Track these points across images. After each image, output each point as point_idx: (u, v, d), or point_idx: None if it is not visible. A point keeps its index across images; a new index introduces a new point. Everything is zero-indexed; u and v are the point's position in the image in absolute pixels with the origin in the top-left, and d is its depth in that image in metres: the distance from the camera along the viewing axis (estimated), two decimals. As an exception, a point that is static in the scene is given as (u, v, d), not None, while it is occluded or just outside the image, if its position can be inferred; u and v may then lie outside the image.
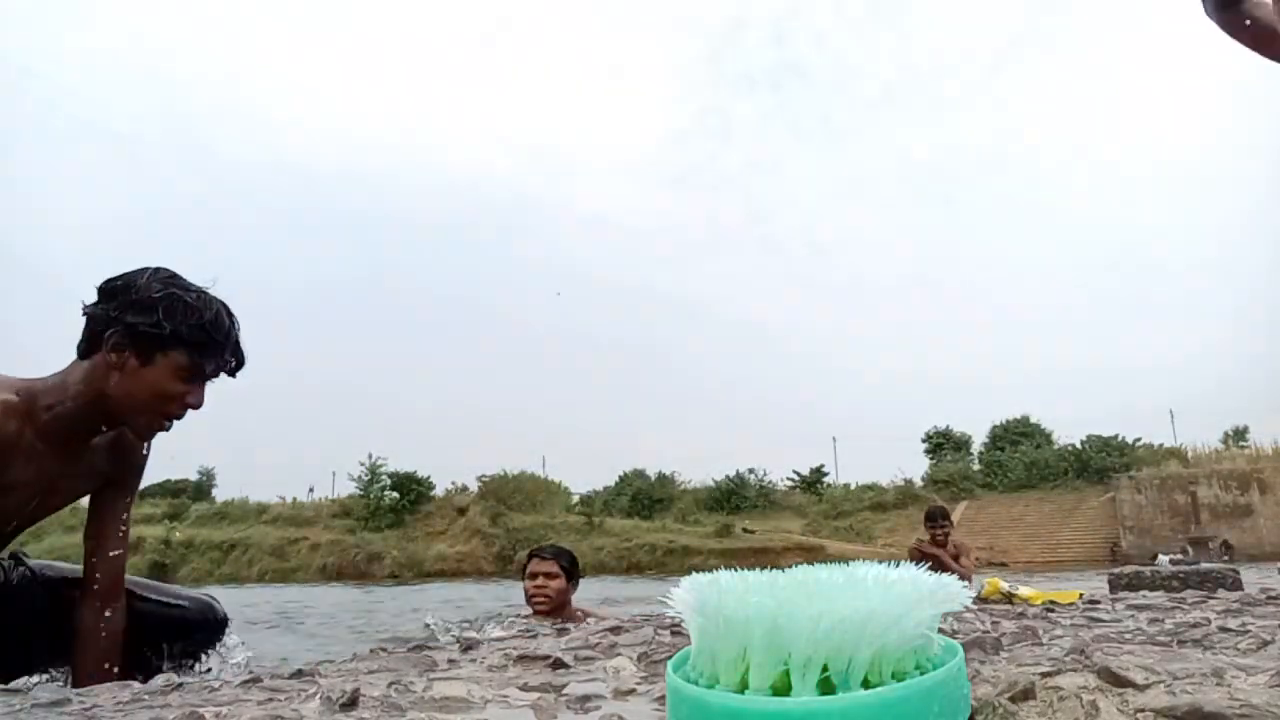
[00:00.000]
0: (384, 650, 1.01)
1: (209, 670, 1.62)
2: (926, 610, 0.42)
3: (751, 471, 29.85)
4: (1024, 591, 1.10)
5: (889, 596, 0.42)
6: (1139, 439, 27.01)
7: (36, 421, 1.34)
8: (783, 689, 0.40)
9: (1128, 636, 0.77)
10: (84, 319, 1.38)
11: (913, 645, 0.42)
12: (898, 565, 0.48)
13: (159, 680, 0.85)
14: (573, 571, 3.05)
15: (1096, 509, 23.79)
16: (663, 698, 0.58)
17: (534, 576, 2.99)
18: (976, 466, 28.60)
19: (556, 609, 2.91)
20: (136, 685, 0.87)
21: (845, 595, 0.42)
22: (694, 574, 0.49)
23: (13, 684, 0.91)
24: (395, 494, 29.95)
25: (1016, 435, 29.28)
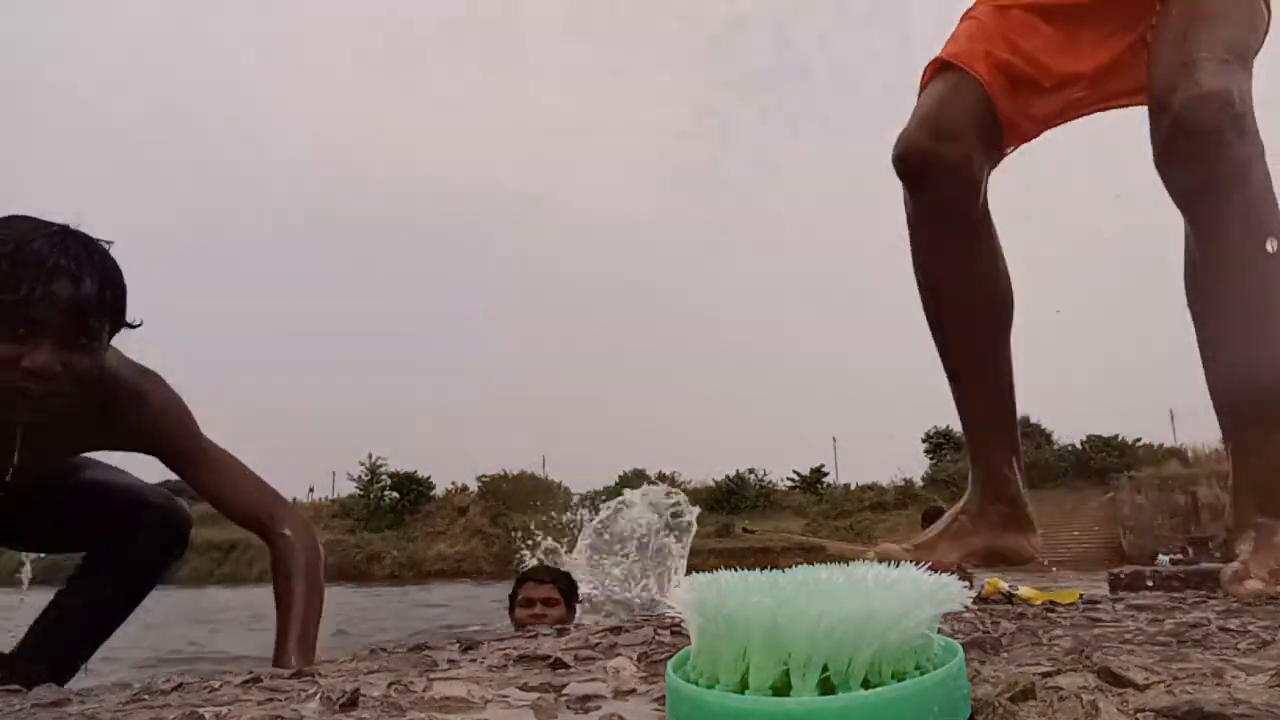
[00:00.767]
0: (384, 650, 1.01)
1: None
2: (926, 610, 0.42)
3: (751, 471, 29.85)
4: (1024, 591, 1.10)
5: (889, 596, 0.42)
6: (1139, 439, 27.01)
7: None
8: (783, 689, 0.40)
9: (1128, 636, 0.77)
10: None
11: (913, 645, 0.42)
12: (898, 565, 0.48)
13: (159, 680, 0.85)
14: (572, 595, 2.70)
15: (1096, 509, 23.79)
16: (663, 698, 0.58)
17: (529, 604, 2.61)
18: (976, 466, 28.57)
19: None
20: (136, 685, 0.87)
21: (845, 595, 0.42)
22: (694, 574, 0.49)
23: (12, 684, 0.91)
24: (395, 494, 29.95)
25: (1016, 435, 29.26)
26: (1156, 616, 0.90)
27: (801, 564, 0.53)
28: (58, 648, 1.52)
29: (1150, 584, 2.20)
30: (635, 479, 30.82)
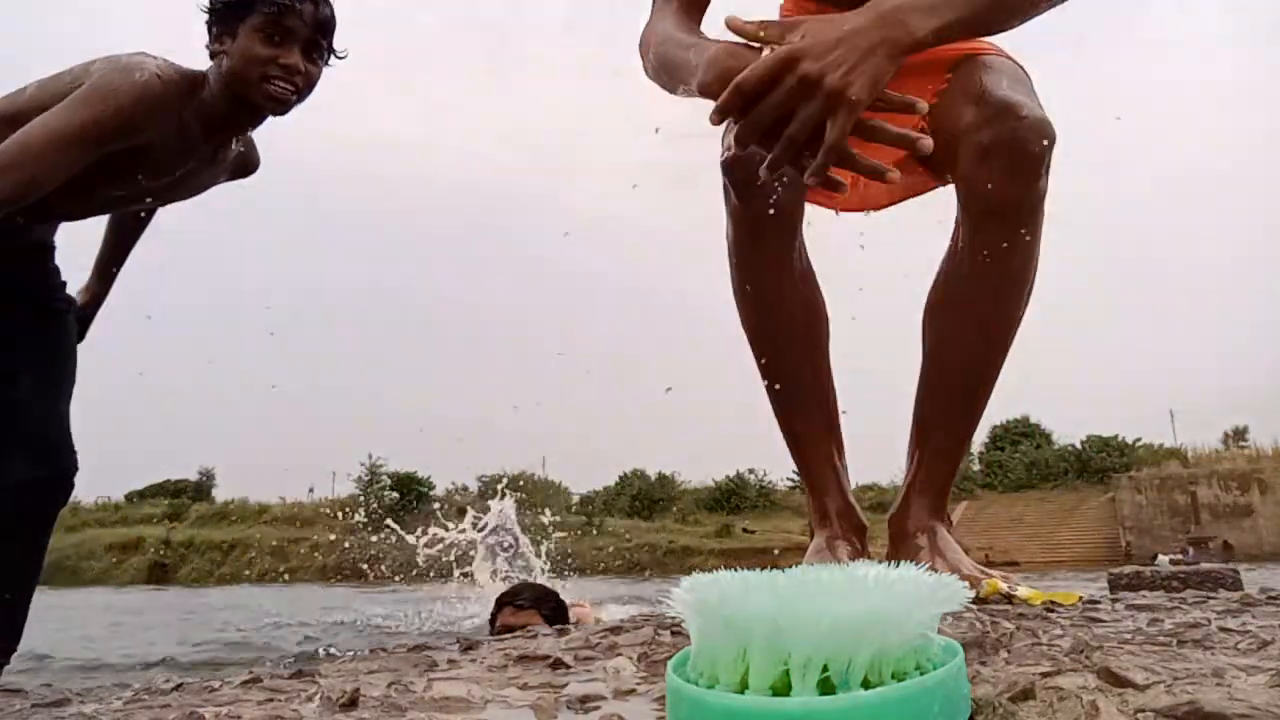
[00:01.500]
0: (384, 650, 1.01)
1: None
2: (926, 610, 0.42)
3: (751, 471, 29.87)
4: (1023, 592, 1.10)
5: (889, 596, 0.42)
6: (1139, 439, 27.04)
7: (193, 106, 1.45)
8: (783, 689, 0.40)
9: (1128, 636, 0.77)
10: None
11: (913, 645, 0.42)
12: (898, 565, 0.48)
13: (159, 680, 0.86)
14: (559, 617, 2.31)
15: (1096, 509, 23.79)
16: (663, 698, 0.58)
17: (507, 632, 2.30)
18: (976, 466, 28.60)
19: None
20: (136, 685, 0.87)
21: (845, 595, 0.42)
22: (694, 574, 0.49)
23: (12, 684, 0.91)
24: (395, 494, 29.98)
25: (1016, 435, 29.28)
26: (1156, 616, 0.90)
27: (801, 564, 0.53)
28: None
29: (1150, 584, 2.20)
30: (635, 479, 30.83)
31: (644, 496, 29.72)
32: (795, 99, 0.83)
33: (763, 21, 0.89)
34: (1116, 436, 27.01)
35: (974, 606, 1.04)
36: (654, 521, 27.55)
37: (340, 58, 1.55)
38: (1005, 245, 1.09)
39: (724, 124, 1.13)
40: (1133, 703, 0.51)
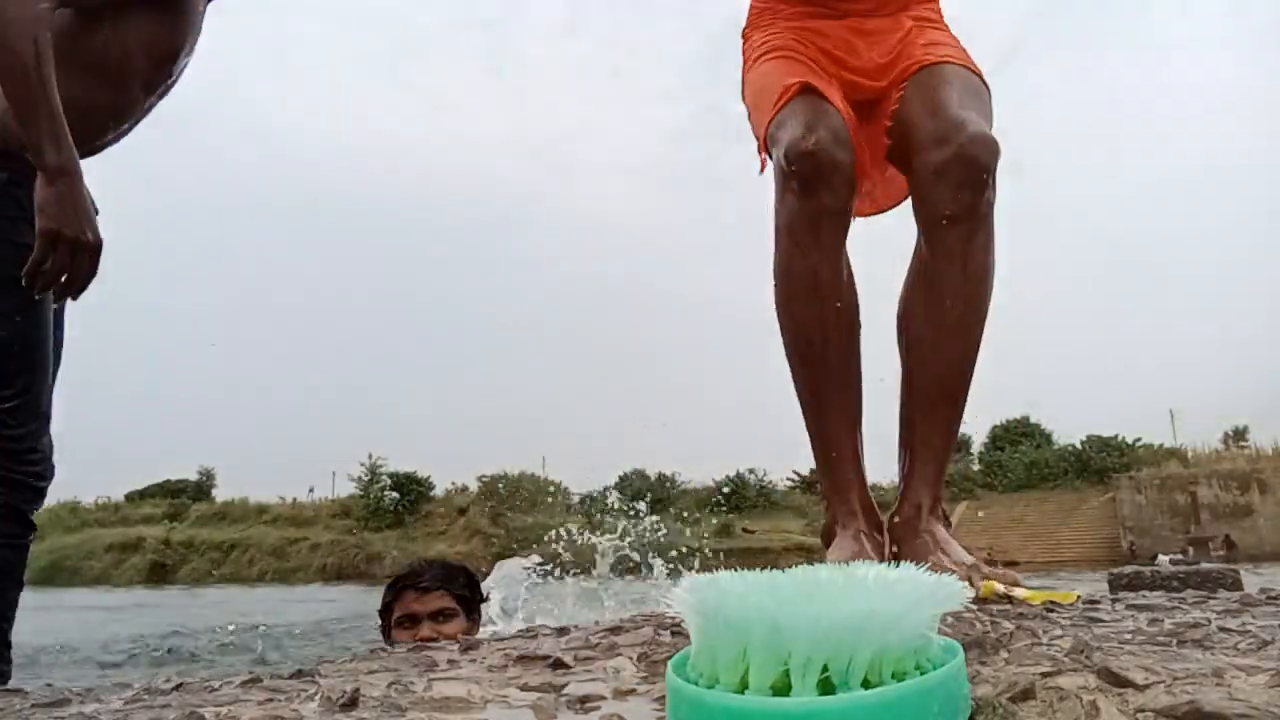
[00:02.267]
0: (384, 650, 1.01)
1: None
2: (926, 610, 0.42)
3: (751, 471, 29.87)
4: (1022, 592, 1.10)
5: (889, 596, 0.42)
6: (1139, 439, 27.02)
7: None
8: (783, 689, 0.40)
9: (1128, 636, 0.77)
10: None
11: (913, 645, 0.42)
12: (898, 565, 0.48)
13: (159, 680, 0.85)
14: (473, 599, 1.88)
15: (1096, 509, 23.79)
16: (663, 698, 0.58)
17: (412, 622, 1.79)
18: (976, 466, 28.60)
19: None
20: (136, 685, 0.87)
21: (845, 595, 0.42)
22: (694, 574, 0.49)
23: (12, 684, 0.91)
24: (395, 494, 29.97)
25: (1016, 435, 29.28)
26: (1156, 616, 0.90)
27: (801, 564, 0.53)
28: None
29: (1150, 584, 2.20)
30: (635, 479, 30.81)
31: (644, 496, 29.74)
32: None
33: None
34: (1116, 436, 27.00)
35: (974, 606, 1.04)
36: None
37: None
38: (960, 250, 1.20)
39: (774, 119, 1.25)
40: (1133, 703, 0.51)
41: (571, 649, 0.86)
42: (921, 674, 0.41)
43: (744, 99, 1.45)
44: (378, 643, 1.89)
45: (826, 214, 1.23)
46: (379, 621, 1.99)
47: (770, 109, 1.28)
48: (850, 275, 1.31)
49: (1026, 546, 22.72)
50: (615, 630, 0.98)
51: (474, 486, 30.06)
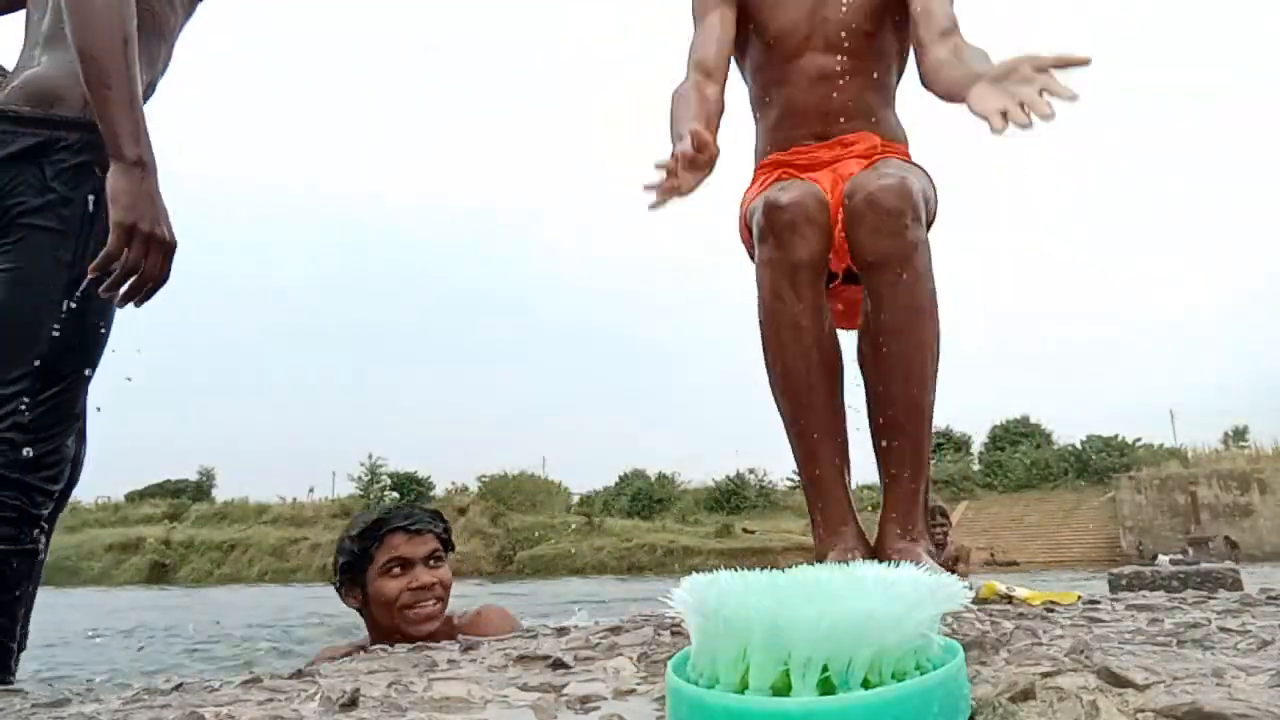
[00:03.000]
0: (384, 650, 1.01)
1: None
2: (926, 610, 0.42)
3: (751, 471, 29.85)
4: (1022, 592, 1.10)
5: (889, 597, 0.42)
6: (1139, 439, 27.02)
7: None
8: (783, 689, 0.40)
9: (1128, 636, 0.77)
10: None
11: (913, 645, 0.42)
12: (898, 565, 0.48)
13: (159, 680, 0.85)
14: (451, 546, 1.80)
15: (1096, 509, 23.79)
16: (663, 698, 0.58)
17: (404, 568, 1.65)
18: (976, 466, 28.60)
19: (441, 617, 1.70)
20: (136, 685, 0.87)
21: (845, 595, 0.42)
22: (694, 574, 0.49)
23: (13, 685, 0.91)
24: (395, 494, 29.97)
25: (1016, 435, 29.28)
26: (1156, 616, 0.90)
27: (801, 564, 0.53)
28: None
29: (1150, 584, 2.20)
30: (635, 479, 30.81)
31: (644, 496, 29.70)
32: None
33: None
34: (1116, 436, 27.00)
35: (974, 606, 1.04)
36: (654, 521, 27.52)
37: None
38: (888, 293, 1.27)
39: (757, 189, 1.41)
40: (1133, 703, 0.51)
41: (571, 649, 0.86)
42: (921, 674, 0.41)
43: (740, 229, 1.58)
44: (378, 643, 1.86)
45: (803, 266, 1.31)
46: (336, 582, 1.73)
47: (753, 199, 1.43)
48: (832, 322, 1.38)
49: (1026, 546, 22.71)
50: (615, 630, 0.98)
51: (474, 486, 30.07)
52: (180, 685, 0.83)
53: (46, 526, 1.30)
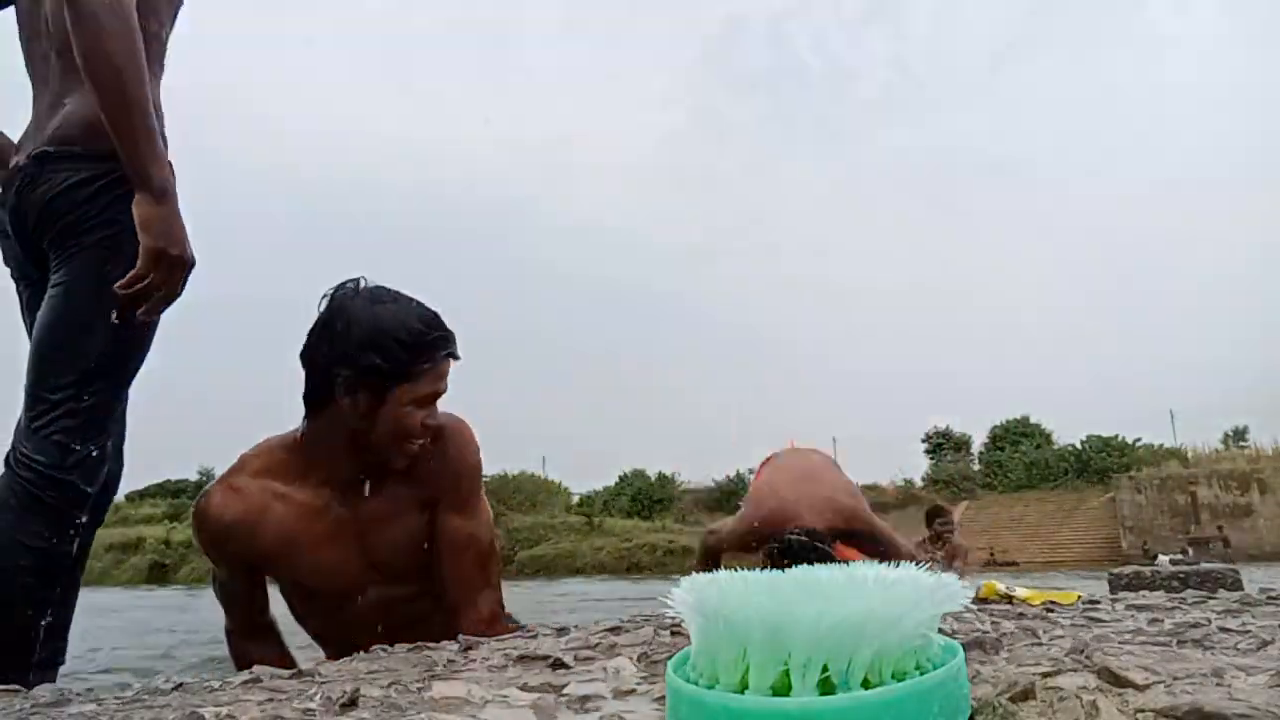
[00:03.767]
0: (384, 650, 1.01)
1: None
2: (926, 610, 0.42)
3: (752, 472, 29.84)
4: (1022, 592, 1.10)
5: (889, 596, 0.42)
6: (1139, 439, 26.99)
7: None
8: (782, 689, 0.40)
9: (1128, 636, 0.77)
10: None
11: (913, 645, 0.42)
12: (898, 565, 0.48)
13: (159, 680, 0.85)
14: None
15: (1096, 509, 23.77)
16: (663, 698, 0.58)
17: (428, 403, 1.39)
18: (976, 466, 28.58)
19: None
20: (136, 685, 0.87)
21: (845, 595, 0.42)
22: (694, 574, 0.49)
23: (12, 685, 0.91)
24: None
25: (1016, 435, 29.25)
26: (1156, 616, 0.90)
27: (801, 564, 0.53)
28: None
29: (1150, 584, 2.20)
30: (635, 479, 30.80)
31: (644, 496, 29.68)
32: None
33: None
34: (1116, 436, 26.97)
35: (974, 606, 1.04)
36: (654, 521, 27.51)
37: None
38: None
39: None
40: (1133, 703, 0.51)
41: (571, 649, 0.86)
42: (921, 674, 0.41)
43: None
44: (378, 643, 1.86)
45: None
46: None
47: None
48: None
49: (1026, 546, 22.69)
50: (615, 630, 0.98)
51: (474, 486, 30.02)
52: (180, 685, 0.83)
53: (84, 533, 1.38)
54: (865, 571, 0.48)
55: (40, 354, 1.35)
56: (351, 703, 0.64)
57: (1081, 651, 0.67)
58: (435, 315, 1.45)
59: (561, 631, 1.05)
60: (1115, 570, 2.53)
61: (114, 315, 1.32)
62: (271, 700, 0.69)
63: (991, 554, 20.40)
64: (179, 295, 1.37)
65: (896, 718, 0.39)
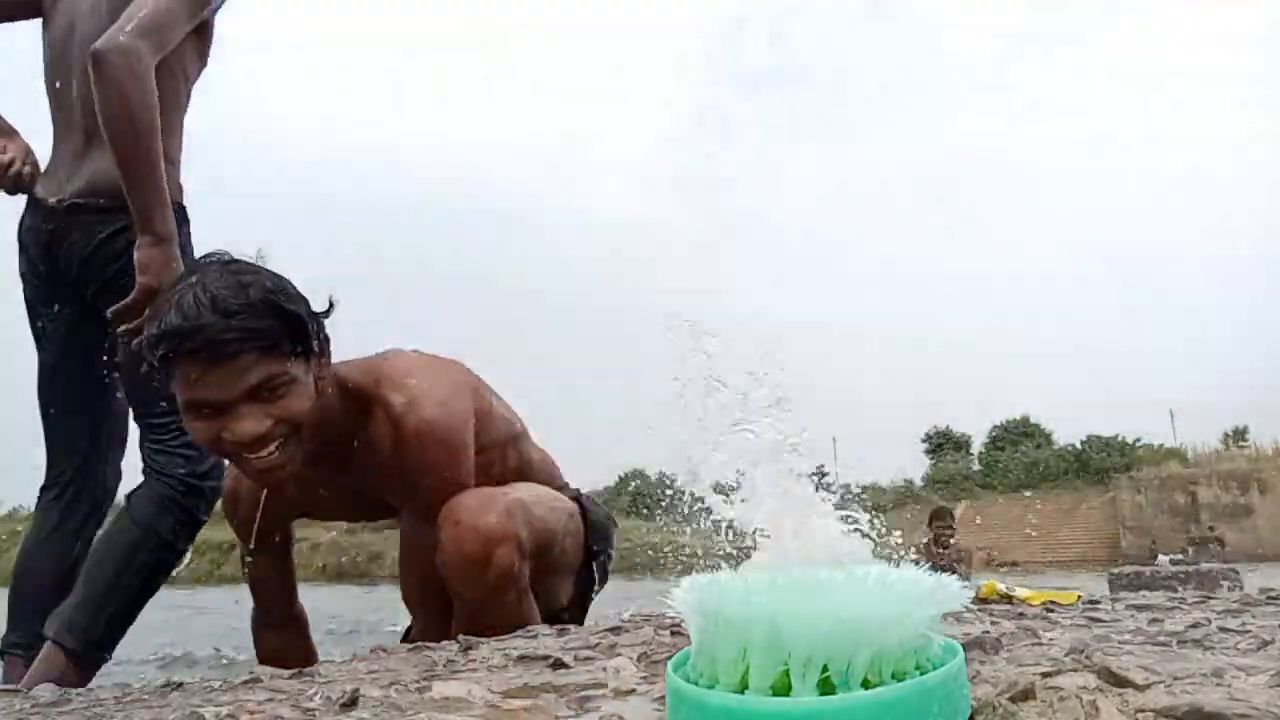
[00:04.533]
0: (384, 650, 1.01)
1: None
2: (926, 610, 0.42)
3: (752, 471, 29.81)
4: (1022, 592, 1.10)
5: (889, 597, 0.42)
6: (1139, 439, 26.99)
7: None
8: (782, 689, 0.40)
9: (1128, 636, 0.77)
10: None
11: (913, 645, 0.42)
12: (898, 565, 0.48)
13: (159, 680, 0.86)
14: (303, 332, 1.19)
15: (1096, 509, 23.77)
16: (663, 698, 0.58)
17: (216, 411, 1.12)
18: (976, 466, 28.58)
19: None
20: (136, 685, 0.87)
21: (845, 595, 0.42)
22: (694, 574, 0.49)
23: (12, 685, 0.91)
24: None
25: (1016, 435, 29.25)
26: (1156, 616, 0.90)
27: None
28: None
29: (1150, 584, 2.20)
30: (635, 478, 30.81)
31: (644, 496, 29.69)
32: None
33: None
34: (1116, 436, 26.96)
35: (974, 606, 1.04)
36: (654, 521, 27.53)
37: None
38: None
39: None
40: (1133, 703, 0.51)
41: (571, 649, 0.86)
42: (921, 674, 0.41)
43: None
44: (379, 644, 1.85)
45: None
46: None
47: None
48: None
49: (1026, 546, 22.69)
50: (615, 630, 0.98)
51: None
52: (180, 685, 0.83)
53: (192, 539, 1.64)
54: (865, 571, 0.48)
55: (133, 386, 1.57)
56: (351, 703, 0.64)
57: (1081, 651, 0.67)
58: (223, 295, 1.11)
59: (561, 631, 1.05)
60: (1115, 570, 2.54)
61: (112, 339, 1.46)
62: (272, 700, 0.69)
63: (990, 554, 20.39)
64: None
65: (896, 718, 0.39)
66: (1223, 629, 0.78)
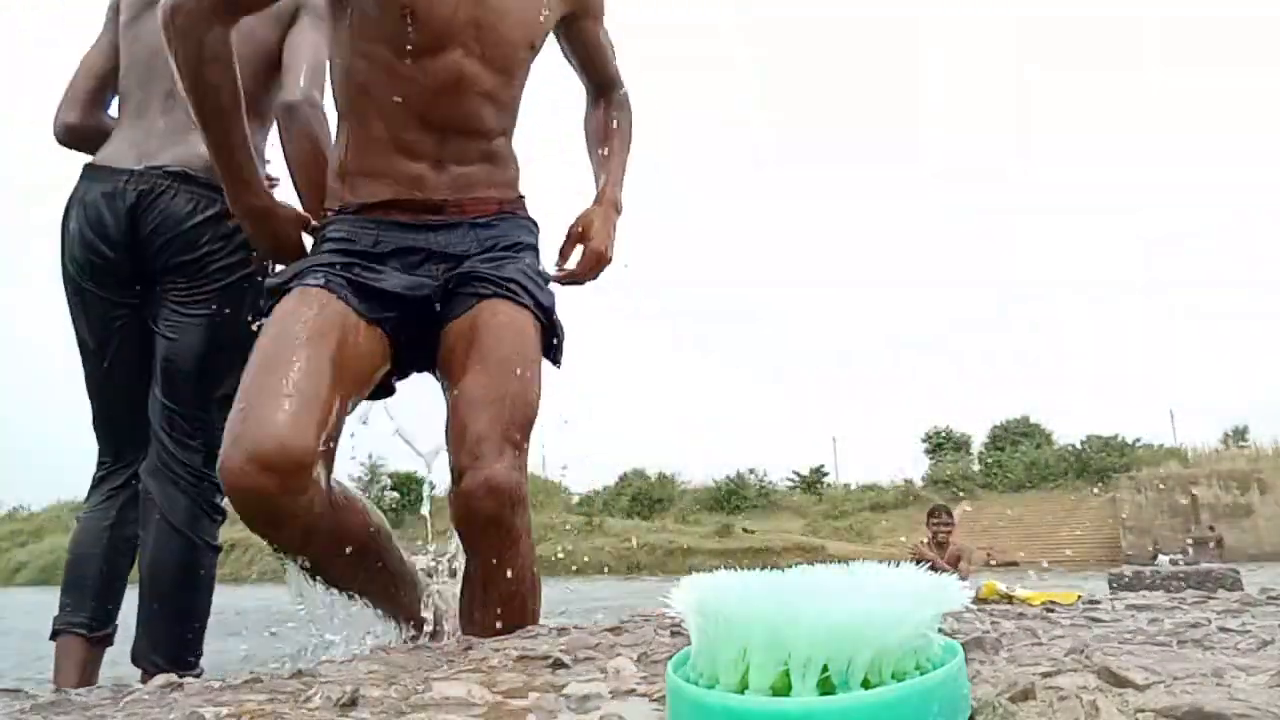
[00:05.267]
0: (384, 650, 1.01)
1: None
2: (926, 610, 0.42)
3: (751, 471, 29.82)
4: (1022, 592, 1.10)
5: (889, 597, 0.42)
6: (1139, 439, 26.99)
7: None
8: (782, 689, 0.40)
9: (1128, 636, 0.77)
10: None
11: (913, 645, 0.42)
12: (898, 565, 0.48)
13: (159, 680, 0.85)
14: None
15: (1096, 509, 23.78)
16: (663, 698, 0.58)
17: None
18: (976, 466, 28.57)
19: None
20: (136, 685, 0.87)
21: (845, 595, 0.42)
22: (694, 574, 0.49)
23: (12, 685, 0.91)
24: (396, 494, 29.98)
25: (1016, 435, 29.25)
26: (1156, 616, 0.90)
27: (801, 564, 0.53)
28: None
29: (1150, 584, 2.20)
30: (635, 479, 30.80)
31: (644, 496, 29.65)
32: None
33: None
34: (1116, 436, 26.95)
35: (974, 606, 1.04)
36: (654, 521, 27.47)
37: None
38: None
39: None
40: (1133, 703, 0.51)
41: (571, 649, 0.86)
42: (921, 674, 0.41)
43: None
44: (378, 643, 1.85)
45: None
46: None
47: None
48: None
49: (1026, 546, 22.68)
50: (615, 630, 0.98)
51: (474, 486, 29.95)
52: (180, 685, 0.83)
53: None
54: (865, 571, 0.48)
55: (186, 377, 1.59)
56: (351, 703, 0.64)
57: (1081, 651, 0.67)
58: None
59: (561, 631, 1.05)
60: (1115, 570, 2.54)
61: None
62: (271, 700, 0.69)
63: (990, 554, 20.37)
64: None
65: (896, 718, 0.39)
66: (1223, 629, 0.78)
